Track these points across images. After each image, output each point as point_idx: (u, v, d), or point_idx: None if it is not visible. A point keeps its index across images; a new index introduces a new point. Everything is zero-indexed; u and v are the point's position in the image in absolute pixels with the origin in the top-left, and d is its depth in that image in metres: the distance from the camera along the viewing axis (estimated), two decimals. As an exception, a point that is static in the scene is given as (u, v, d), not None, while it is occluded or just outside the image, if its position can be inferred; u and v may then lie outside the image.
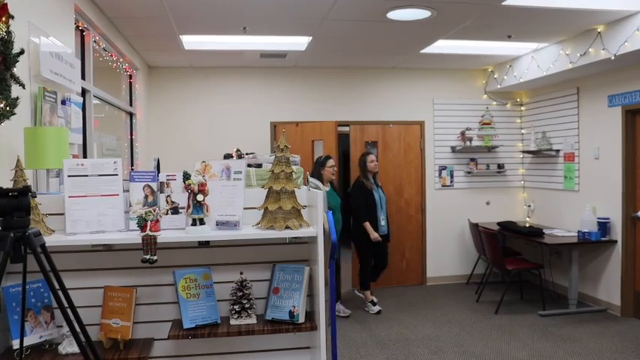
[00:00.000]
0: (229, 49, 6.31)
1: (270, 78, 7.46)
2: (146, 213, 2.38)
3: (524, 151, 7.86)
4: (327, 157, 6.15)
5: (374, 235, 6.20)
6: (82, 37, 4.60)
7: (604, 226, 6.19)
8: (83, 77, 4.48)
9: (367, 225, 6.22)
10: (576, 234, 6.34)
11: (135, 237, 2.40)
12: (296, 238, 2.63)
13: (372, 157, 6.49)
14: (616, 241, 6.12)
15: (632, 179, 5.99)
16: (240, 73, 7.39)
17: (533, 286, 7.32)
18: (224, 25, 5.35)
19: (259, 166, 3.08)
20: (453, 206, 7.85)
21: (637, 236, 5.98)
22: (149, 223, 2.37)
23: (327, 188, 5.92)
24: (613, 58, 5.31)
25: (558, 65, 6.13)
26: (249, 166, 3.02)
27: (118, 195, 2.60)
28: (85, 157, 4.38)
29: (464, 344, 5.29)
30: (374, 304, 6.44)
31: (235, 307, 2.71)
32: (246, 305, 2.72)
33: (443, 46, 6.32)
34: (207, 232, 2.51)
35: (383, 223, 6.42)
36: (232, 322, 2.71)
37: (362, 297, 6.66)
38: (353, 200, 6.37)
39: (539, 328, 5.73)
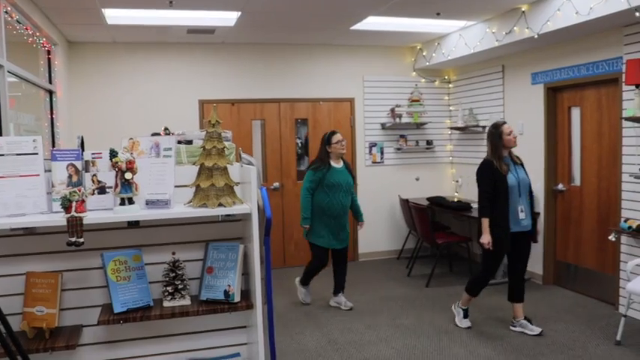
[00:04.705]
0: (155, 24, 6.06)
1: (198, 55, 7.24)
2: (70, 193, 2.27)
3: (452, 128, 8.05)
4: (333, 133, 5.50)
5: (485, 239, 4.68)
6: (-7, 8, 4.29)
7: (527, 199, 6.43)
8: (-5, 51, 4.20)
9: (484, 222, 4.71)
10: (502, 207, 6.55)
11: (59, 219, 2.28)
12: (229, 215, 2.57)
13: (508, 127, 4.83)
14: (539, 213, 6.38)
15: (553, 154, 6.26)
16: (166, 49, 7.14)
17: (461, 258, 7.56)
18: (149, -2, 5.13)
19: (189, 142, 2.99)
20: (384, 182, 7.94)
21: (557, 208, 6.27)
22: (74, 203, 2.27)
23: (339, 165, 5.49)
24: (536, 37, 5.47)
25: (485, 43, 6.27)
26: (179, 142, 2.92)
27: (38, 175, 2.46)
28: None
29: (397, 317, 5.40)
30: (466, 315, 5.09)
31: (168, 288, 2.64)
32: (180, 286, 2.65)
33: (373, 22, 6.32)
34: (136, 212, 2.42)
35: (523, 215, 4.76)
36: (165, 304, 2.63)
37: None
38: (478, 186, 4.85)
39: (467, 298, 5.92)
